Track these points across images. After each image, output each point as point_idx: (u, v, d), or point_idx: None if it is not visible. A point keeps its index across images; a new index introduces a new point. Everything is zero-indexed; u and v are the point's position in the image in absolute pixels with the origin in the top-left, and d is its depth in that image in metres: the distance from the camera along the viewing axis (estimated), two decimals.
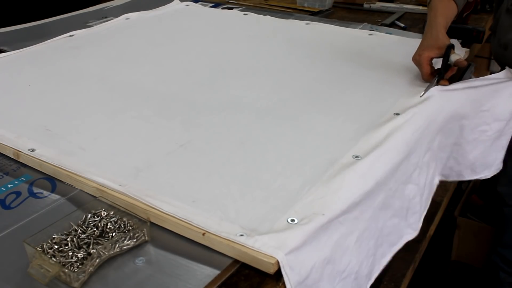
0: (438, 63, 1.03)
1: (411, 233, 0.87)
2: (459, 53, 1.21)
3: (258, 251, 0.59)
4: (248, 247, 0.60)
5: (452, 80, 1.05)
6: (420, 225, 0.89)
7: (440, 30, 1.05)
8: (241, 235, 0.62)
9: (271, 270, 0.58)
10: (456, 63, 1.01)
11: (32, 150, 0.82)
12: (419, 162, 0.88)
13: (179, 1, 1.74)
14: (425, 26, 1.10)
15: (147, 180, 0.75)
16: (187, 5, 1.72)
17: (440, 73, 1.01)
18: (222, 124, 0.91)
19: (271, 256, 0.58)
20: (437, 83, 1.00)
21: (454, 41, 1.28)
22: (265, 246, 0.59)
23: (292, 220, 0.64)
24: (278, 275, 0.59)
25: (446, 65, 1.01)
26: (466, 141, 0.99)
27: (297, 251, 0.60)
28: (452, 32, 1.34)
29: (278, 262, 0.58)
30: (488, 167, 1.03)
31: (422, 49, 1.05)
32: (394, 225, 0.83)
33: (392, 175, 0.79)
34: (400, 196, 0.83)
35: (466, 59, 1.24)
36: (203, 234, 0.63)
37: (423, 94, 0.97)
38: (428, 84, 1.01)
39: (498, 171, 1.04)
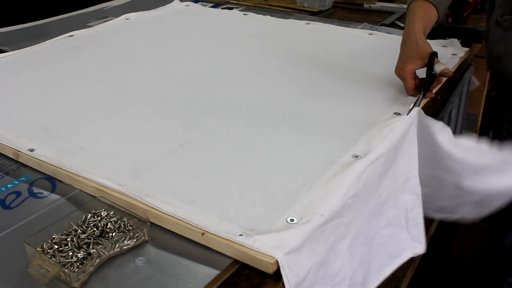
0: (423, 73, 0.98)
1: (418, 247, 0.85)
2: (459, 51, 1.20)
3: (257, 251, 0.59)
4: (247, 247, 0.60)
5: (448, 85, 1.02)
6: (424, 238, 0.87)
7: (419, 36, 0.96)
8: (241, 235, 0.62)
9: (270, 269, 0.58)
10: (441, 74, 0.93)
11: (31, 150, 0.82)
12: (412, 171, 0.86)
13: (179, 1, 1.74)
14: (403, 33, 1.01)
15: (147, 180, 0.75)
16: (187, 5, 1.72)
17: (425, 86, 0.94)
18: (221, 124, 0.91)
19: (271, 256, 0.58)
20: (424, 96, 0.94)
21: (454, 41, 1.28)
22: (265, 246, 0.59)
23: (292, 220, 0.64)
24: (278, 276, 0.59)
25: (431, 76, 0.94)
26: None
27: (296, 251, 0.60)
28: (452, 32, 1.35)
29: (277, 262, 0.58)
30: None
31: (403, 61, 0.97)
32: (390, 235, 0.82)
33: (380, 181, 0.79)
34: (394, 205, 0.83)
35: (466, 59, 1.24)
36: (202, 234, 0.63)
37: (409, 112, 0.88)
38: (413, 100, 0.94)
39: None
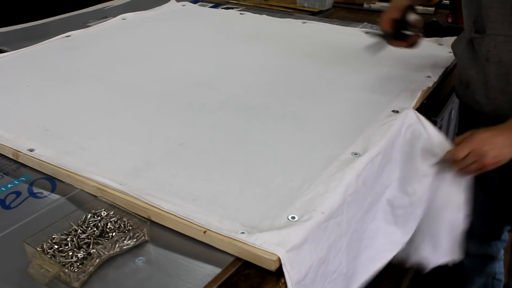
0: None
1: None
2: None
3: (259, 248, 0.59)
4: (249, 245, 0.60)
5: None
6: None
7: None
8: (242, 233, 0.62)
9: (273, 267, 0.58)
10: (413, 22, 1.01)
11: (31, 150, 0.82)
12: (405, 171, 0.85)
13: (175, 1, 1.74)
14: None
15: (147, 179, 0.74)
16: (184, 5, 1.72)
17: (396, 32, 1.03)
18: (220, 123, 0.91)
19: (273, 253, 0.58)
20: (390, 40, 1.03)
21: (451, 39, 1.28)
22: (266, 244, 0.59)
23: (293, 217, 0.64)
24: (278, 275, 0.59)
25: (403, 24, 1.02)
26: None
27: (298, 248, 0.60)
28: (451, 32, 1.35)
29: (279, 259, 0.58)
30: None
31: (383, 13, 1.05)
32: (377, 228, 0.81)
33: (377, 178, 0.79)
34: (383, 200, 0.82)
35: None
36: (204, 232, 0.63)
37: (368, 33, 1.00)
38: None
39: None
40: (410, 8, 1.02)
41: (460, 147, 0.82)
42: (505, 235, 1.29)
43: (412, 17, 1.02)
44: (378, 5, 1.79)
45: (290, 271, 0.57)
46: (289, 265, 0.58)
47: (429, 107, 1.05)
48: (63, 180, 0.77)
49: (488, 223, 1.23)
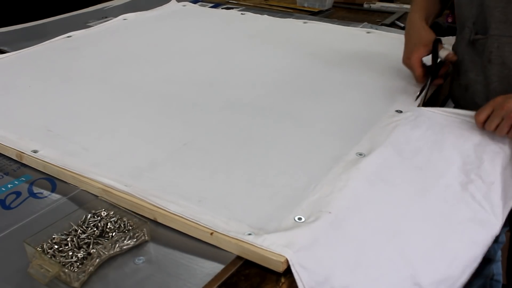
0: (429, 60, 1.00)
1: None
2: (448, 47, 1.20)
3: (267, 250, 0.59)
4: (256, 246, 0.59)
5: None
6: None
7: (421, 24, 1.00)
8: (249, 234, 0.61)
9: (280, 268, 0.58)
10: (446, 58, 0.97)
11: (35, 152, 0.81)
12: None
13: (176, 2, 1.74)
14: (406, 23, 1.04)
15: (152, 180, 0.73)
16: (184, 5, 1.71)
17: (433, 72, 0.97)
18: (223, 123, 0.90)
19: (280, 255, 0.58)
20: (431, 83, 0.97)
21: (451, 38, 1.27)
22: (274, 245, 0.59)
23: (299, 219, 0.64)
24: (278, 276, 0.58)
25: (436, 62, 0.97)
26: None
27: (306, 249, 0.59)
28: (451, 32, 1.34)
29: (287, 261, 0.57)
30: None
31: (409, 51, 1.00)
32: None
33: (383, 178, 0.76)
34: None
35: None
36: (211, 233, 0.62)
37: (418, 97, 0.95)
38: (421, 86, 0.98)
39: None
40: (439, 41, 0.97)
41: (481, 108, 0.82)
42: (502, 237, 1.28)
43: (443, 53, 0.96)
44: (378, 5, 1.79)
45: (300, 272, 0.57)
46: (298, 266, 0.57)
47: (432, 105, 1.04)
48: (68, 182, 0.76)
49: None
